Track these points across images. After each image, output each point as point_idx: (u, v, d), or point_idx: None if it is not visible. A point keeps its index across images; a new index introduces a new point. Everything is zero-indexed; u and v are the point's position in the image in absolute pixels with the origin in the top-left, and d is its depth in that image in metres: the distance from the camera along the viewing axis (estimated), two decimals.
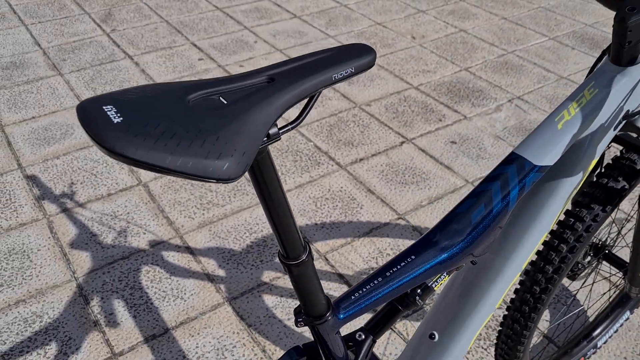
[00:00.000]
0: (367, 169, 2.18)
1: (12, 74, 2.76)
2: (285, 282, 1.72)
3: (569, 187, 0.87)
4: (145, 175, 2.14)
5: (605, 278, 1.72)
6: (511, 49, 3.05)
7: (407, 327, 1.59)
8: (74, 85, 2.68)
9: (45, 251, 1.81)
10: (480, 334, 1.58)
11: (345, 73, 0.57)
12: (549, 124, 0.80)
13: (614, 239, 1.32)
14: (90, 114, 0.46)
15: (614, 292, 1.67)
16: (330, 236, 1.88)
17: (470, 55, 2.98)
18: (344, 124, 2.44)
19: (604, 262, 1.76)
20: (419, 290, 0.82)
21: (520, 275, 0.96)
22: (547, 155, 0.78)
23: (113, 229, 1.89)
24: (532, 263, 1.05)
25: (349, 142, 2.33)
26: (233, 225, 1.91)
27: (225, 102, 0.51)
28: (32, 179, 2.10)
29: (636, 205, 1.82)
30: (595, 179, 1.03)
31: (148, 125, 0.46)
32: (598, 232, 1.26)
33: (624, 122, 0.86)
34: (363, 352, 0.81)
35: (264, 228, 1.90)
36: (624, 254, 1.77)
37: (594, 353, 1.49)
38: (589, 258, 1.29)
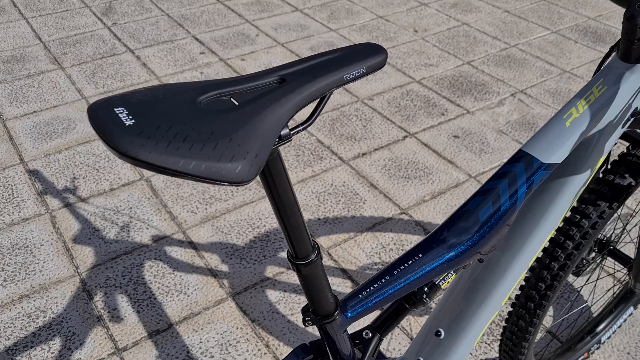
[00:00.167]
0: (369, 163, 2.17)
1: (12, 68, 2.75)
2: (289, 277, 1.72)
3: (576, 185, 0.86)
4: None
5: (610, 274, 1.72)
6: (514, 43, 3.03)
7: (410, 323, 1.59)
8: (76, 79, 2.68)
9: (48, 246, 1.81)
10: None
11: (357, 73, 0.57)
12: (557, 121, 0.79)
13: (619, 234, 1.32)
14: (101, 116, 0.46)
15: (618, 287, 1.67)
16: (333, 231, 1.88)
17: (473, 49, 2.97)
18: (347, 118, 2.43)
19: (608, 258, 1.75)
20: (426, 289, 0.82)
21: (526, 272, 0.96)
22: (556, 153, 0.77)
23: (116, 223, 1.89)
24: (537, 260, 1.05)
25: (352, 136, 2.32)
26: (236, 220, 1.91)
27: (236, 103, 0.51)
28: (34, 174, 2.10)
29: None
30: (601, 176, 1.02)
31: (160, 127, 0.46)
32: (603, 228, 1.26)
33: (632, 119, 0.85)
34: (370, 350, 0.81)
35: (267, 223, 1.90)
36: (629, 249, 1.77)
37: (597, 349, 1.49)
38: (593, 254, 1.29)
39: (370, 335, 0.83)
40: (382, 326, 0.84)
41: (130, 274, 1.72)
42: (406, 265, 0.75)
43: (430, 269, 0.75)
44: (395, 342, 1.54)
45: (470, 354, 1.52)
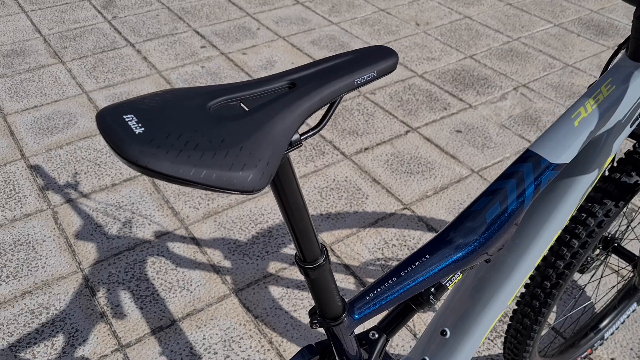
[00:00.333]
0: (372, 158, 2.17)
1: (13, 62, 2.74)
2: (292, 273, 1.72)
3: (584, 185, 0.86)
4: None
5: (615, 272, 1.72)
6: (516, 36, 3.02)
7: (414, 321, 1.59)
8: (76, 73, 2.66)
9: (51, 242, 1.80)
10: None
11: (368, 77, 0.56)
12: (565, 121, 0.79)
13: (624, 231, 1.31)
14: (111, 124, 0.45)
15: (622, 284, 1.67)
16: (336, 227, 1.87)
17: (475, 43, 2.96)
18: (348, 112, 2.42)
19: (613, 255, 1.75)
20: (432, 289, 0.82)
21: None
22: (564, 153, 0.77)
23: (118, 219, 1.89)
24: (543, 258, 1.04)
25: (354, 131, 2.31)
26: (238, 216, 1.91)
27: (246, 109, 0.50)
28: (35, 169, 2.09)
29: None
30: (607, 174, 1.02)
31: (170, 135, 0.45)
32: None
33: None
34: (377, 351, 0.81)
35: (269, 219, 1.90)
36: (633, 247, 1.77)
37: (600, 345, 1.49)
38: (597, 251, 1.28)
39: (376, 336, 0.82)
40: (389, 327, 0.84)
41: (132, 270, 1.72)
42: (413, 266, 0.75)
43: (438, 270, 0.75)
44: (398, 339, 1.54)
45: None
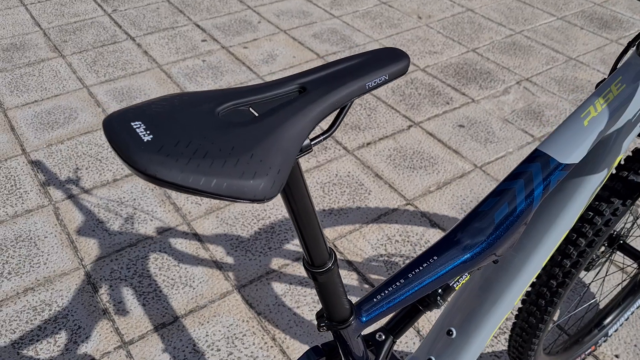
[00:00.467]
0: (374, 153, 2.16)
1: (12, 56, 2.72)
2: (294, 269, 1.71)
3: (592, 185, 0.85)
4: None
5: (621, 269, 1.71)
6: (519, 29, 3.00)
7: (420, 320, 1.58)
8: (77, 67, 2.65)
9: (52, 238, 1.80)
10: None
11: (379, 81, 0.55)
12: (574, 120, 0.78)
13: (629, 229, 1.30)
14: (118, 131, 0.44)
15: (627, 280, 1.67)
16: (339, 222, 1.87)
17: (478, 36, 2.94)
18: (351, 107, 2.41)
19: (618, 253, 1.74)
20: (439, 290, 0.81)
21: None
22: (573, 153, 0.76)
23: (120, 215, 1.88)
24: (549, 257, 1.03)
25: (356, 125, 2.30)
26: (240, 212, 1.90)
27: (256, 114, 0.49)
28: (36, 165, 2.08)
29: None
30: (614, 172, 1.01)
31: (179, 143, 0.44)
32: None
33: None
34: (383, 352, 0.80)
35: (272, 214, 1.89)
36: (638, 243, 1.76)
37: (604, 341, 1.49)
38: (603, 248, 1.28)
39: (383, 337, 0.82)
40: (396, 328, 0.83)
41: (135, 266, 1.71)
42: (421, 268, 0.74)
43: (445, 272, 0.74)
44: (403, 337, 1.54)
45: None
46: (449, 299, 0.87)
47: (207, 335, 1.53)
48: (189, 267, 1.71)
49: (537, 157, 0.77)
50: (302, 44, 2.85)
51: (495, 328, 0.92)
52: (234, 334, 1.53)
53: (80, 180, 2.02)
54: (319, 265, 0.63)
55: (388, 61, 0.56)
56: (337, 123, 0.55)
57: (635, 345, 1.52)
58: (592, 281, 1.53)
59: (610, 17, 3.11)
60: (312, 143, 0.52)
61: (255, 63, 2.70)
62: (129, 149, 0.42)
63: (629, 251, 1.30)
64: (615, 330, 1.50)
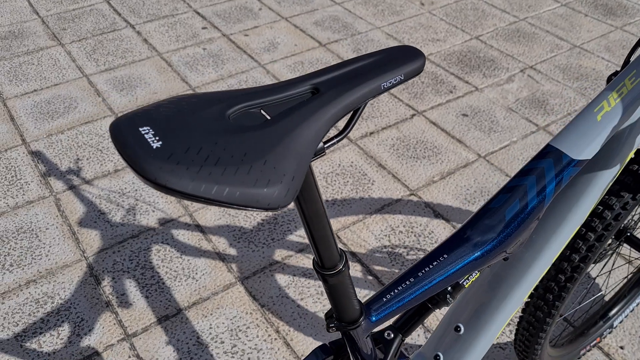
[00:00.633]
0: (377, 143, 2.14)
1: (11, 45, 2.69)
2: (297, 261, 1.70)
3: (605, 180, 0.83)
4: None
5: (629, 262, 1.70)
6: (523, 16, 2.96)
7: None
8: (76, 56, 2.62)
9: (54, 230, 1.78)
10: None
11: (394, 81, 0.53)
12: (587, 115, 0.76)
13: (636, 221, 1.29)
14: (126, 137, 0.42)
15: (632, 272, 1.66)
16: (342, 213, 1.85)
17: (481, 23, 2.90)
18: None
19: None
20: (449, 288, 0.80)
21: None
22: (586, 149, 0.74)
23: (121, 206, 1.87)
24: None
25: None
26: None
27: (268, 117, 0.47)
28: (37, 155, 2.07)
29: None
30: (625, 166, 0.99)
31: (190, 150, 0.42)
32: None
33: None
34: (392, 351, 0.79)
35: None
36: None
37: (609, 333, 1.48)
38: (610, 241, 1.27)
39: (392, 336, 0.81)
40: (404, 327, 0.82)
41: (137, 258, 1.70)
42: (431, 266, 0.73)
43: (456, 270, 0.73)
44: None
45: None
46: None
47: (210, 328, 1.52)
48: (191, 258, 1.70)
49: (549, 153, 0.75)
50: (303, 32, 2.82)
51: (503, 325, 0.91)
52: (238, 326, 1.53)
53: (81, 171, 2.00)
54: (330, 267, 0.62)
55: (403, 60, 0.54)
56: (352, 125, 0.53)
57: None
58: (598, 274, 1.52)
59: (615, 3, 3.08)
60: (325, 146, 0.50)
61: (256, 51, 2.67)
62: (137, 156, 0.41)
63: (635, 243, 1.29)
64: (621, 322, 1.49)
